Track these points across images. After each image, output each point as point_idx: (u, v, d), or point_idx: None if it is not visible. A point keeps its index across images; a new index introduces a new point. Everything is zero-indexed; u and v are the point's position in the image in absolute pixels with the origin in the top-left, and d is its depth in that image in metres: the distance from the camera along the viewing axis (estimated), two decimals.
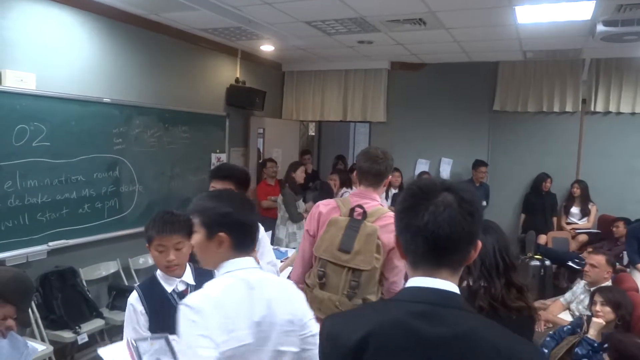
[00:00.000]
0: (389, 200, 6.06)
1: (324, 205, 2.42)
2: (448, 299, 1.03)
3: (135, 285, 2.12)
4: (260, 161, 6.52)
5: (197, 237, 1.54)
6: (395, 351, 1.00)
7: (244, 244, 1.53)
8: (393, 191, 6.27)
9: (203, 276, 1.96)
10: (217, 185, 2.36)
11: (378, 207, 2.32)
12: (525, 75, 6.20)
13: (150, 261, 4.69)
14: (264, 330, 1.43)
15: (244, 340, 1.39)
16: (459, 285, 1.09)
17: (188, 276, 2.07)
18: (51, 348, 3.40)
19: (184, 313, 1.37)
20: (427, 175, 6.36)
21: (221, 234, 1.48)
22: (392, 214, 2.17)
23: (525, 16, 4.17)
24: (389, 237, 2.14)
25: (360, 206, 2.26)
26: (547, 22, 4.30)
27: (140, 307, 1.97)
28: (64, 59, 3.96)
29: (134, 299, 2.00)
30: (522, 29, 4.61)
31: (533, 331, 1.81)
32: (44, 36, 3.79)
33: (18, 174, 3.54)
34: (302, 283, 2.36)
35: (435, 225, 1.02)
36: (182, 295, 2.02)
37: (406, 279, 1.18)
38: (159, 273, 2.06)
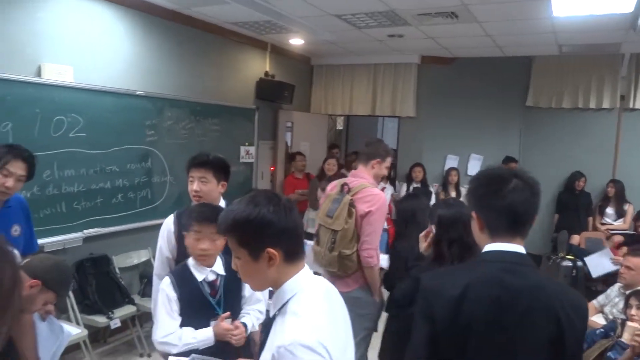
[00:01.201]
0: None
1: (330, 186, 3.07)
2: (523, 259, 1.39)
3: (168, 272, 2.17)
4: (289, 154, 6.57)
5: (240, 262, 1.28)
6: (489, 297, 1.32)
7: (297, 252, 1.29)
8: (414, 185, 6.22)
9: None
10: (195, 175, 2.41)
11: (362, 182, 2.87)
12: (561, 70, 6.04)
13: None
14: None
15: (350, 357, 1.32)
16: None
17: (219, 266, 2.11)
18: (86, 332, 3.53)
19: (305, 356, 1.14)
20: (455, 172, 6.29)
21: (269, 249, 1.23)
22: (371, 188, 2.84)
23: (562, 9, 4.05)
24: (362, 206, 2.77)
25: (346, 183, 2.87)
26: (584, 15, 4.17)
27: (173, 294, 2.02)
28: (99, 53, 4.06)
29: (166, 285, 2.05)
30: (558, 23, 4.49)
31: None
32: (81, 30, 3.90)
33: (56, 163, 3.66)
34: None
35: (514, 205, 1.38)
36: (212, 285, 2.08)
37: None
38: (190, 262, 2.11)
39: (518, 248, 1.40)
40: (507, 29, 4.86)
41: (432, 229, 2.18)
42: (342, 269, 2.81)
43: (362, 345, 2.88)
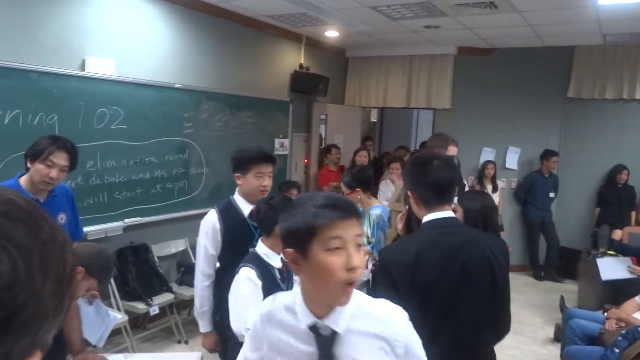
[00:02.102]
0: None
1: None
2: (454, 221, 1.79)
3: (244, 263, 2.12)
4: (323, 147, 6.58)
5: (297, 267, 1.16)
6: (434, 256, 1.66)
7: None
8: None
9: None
10: (265, 170, 2.38)
11: None
12: (604, 60, 5.82)
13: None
14: None
15: None
16: None
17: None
18: (126, 317, 3.65)
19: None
20: (491, 165, 6.18)
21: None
22: None
23: None
24: None
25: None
26: (631, 2, 4.01)
27: (259, 282, 2.04)
28: (140, 46, 4.17)
29: (252, 275, 2.04)
30: (603, 11, 4.33)
31: None
32: (123, 24, 4.01)
33: (99, 154, 3.79)
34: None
35: (438, 180, 1.72)
36: (281, 272, 2.17)
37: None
38: (236, 197, 2.33)
39: (448, 214, 1.76)
40: (549, 18, 4.72)
41: (405, 210, 2.43)
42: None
43: None
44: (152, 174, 4.27)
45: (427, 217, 1.74)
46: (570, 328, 3.56)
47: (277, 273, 2.13)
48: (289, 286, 2.14)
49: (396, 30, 5.51)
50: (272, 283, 2.09)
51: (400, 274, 1.63)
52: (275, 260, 2.14)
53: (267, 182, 2.37)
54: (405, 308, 1.39)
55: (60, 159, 2.47)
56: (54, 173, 2.45)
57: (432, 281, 1.63)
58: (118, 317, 2.99)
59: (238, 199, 2.43)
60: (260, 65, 5.58)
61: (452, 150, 3.18)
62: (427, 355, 1.31)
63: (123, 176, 4.01)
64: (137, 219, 4.15)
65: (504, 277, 1.74)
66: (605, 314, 3.58)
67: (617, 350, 2.87)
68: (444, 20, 4.93)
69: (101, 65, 3.80)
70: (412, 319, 1.33)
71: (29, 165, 2.45)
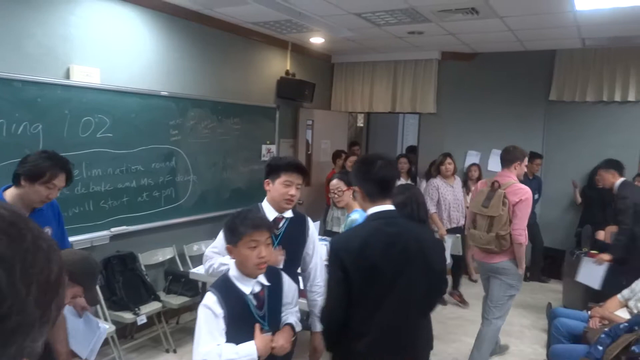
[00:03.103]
0: None
1: (480, 183, 3.98)
2: (394, 213, 2.05)
3: (209, 287, 1.99)
4: (336, 151, 6.54)
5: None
6: (378, 242, 1.94)
7: None
8: None
9: (274, 276, 2.07)
10: (294, 180, 2.41)
11: (509, 180, 3.63)
12: (584, 63, 5.95)
13: (204, 248, 4.88)
14: None
15: None
16: None
17: (261, 276, 1.99)
18: (113, 327, 3.63)
19: None
20: (475, 168, 6.25)
21: None
22: (518, 184, 3.61)
23: (584, 3, 4.00)
24: (513, 197, 3.54)
25: (496, 181, 3.67)
26: (608, 8, 4.11)
27: (220, 311, 1.86)
28: (125, 54, 4.16)
29: (212, 302, 1.88)
30: (581, 16, 4.43)
31: None
32: (108, 32, 4.00)
33: (84, 163, 3.78)
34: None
35: (382, 177, 2.02)
36: (257, 297, 1.96)
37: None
38: (233, 274, 1.97)
39: (389, 207, 2.04)
40: (529, 24, 4.81)
41: None
42: (499, 246, 3.57)
43: (504, 308, 3.70)
44: (139, 182, 4.26)
45: (372, 210, 2.05)
46: (556, 327, 3.62)
47: (251, 300, 1.94)
48: (265, 316, 1.96)
49: (381, 36, 5.57)
50: (243, 312, 1.90)
51: (349, 258, 1.92)
52: (246, 284, 1.94)
53: (294, 191, 2.38)
54: (352, 286, 1.92)
55: (61, 180, 2.46)
56: (53, 194, 2.44)
57: (376, 264, 1.92)
58: (108, 328, 2.96)
59: (266, 205, 2.46)
60: (246, 71, 5.60)
61: (526, 161, 3.74)
62: (371, 325, 1.93)
63: (109, 185, 3.99)
64: (124, 227, 4.13)
65: (438, 261, 2.09)
66: (589, 312, 3.64)
67: (600, 348, 2.92)
68: (428, 26, 5.00)
69: (86, 73, 3.79)
70: (357, 295, 1.93)
71: (23, 183, 2.39)
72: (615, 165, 4.68)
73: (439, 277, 2.10)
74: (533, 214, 6.11)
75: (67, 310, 2.80)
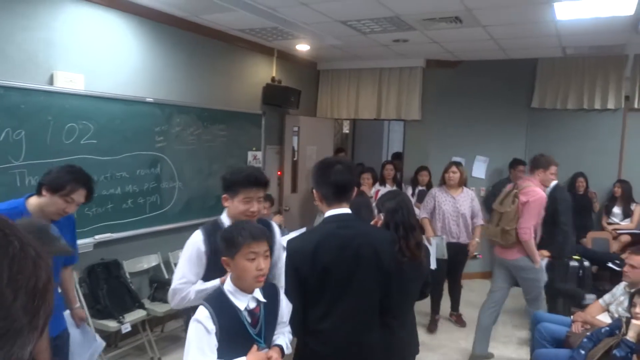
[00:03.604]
0: (415, 197, 6.05)
1: (509, 186, 4.12)
2: (349, 217, 2.11)
3: (202, 301, 1.89)
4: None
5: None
6: (331, 245, 2.01)
7: None
8: (419, 188, 6.24)
9: (270, 292, 1.96)
10: (254, 195, 2.27)
11: (528, 183, 3.91)
12: (565, 71, 6.07)
13: None
14: None
15: None
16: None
17: (257, 292, 1.90)
18: (104, 343, 3.57)
19: None
20: None
21: None
22: (533, 187, 3.85)
23: (565, 12, 4.09)
24: (523, 197, 3.81)
25: (516, 183, 4.07)
26: (588, 18, 4.21)
27: (212, 327, 1.77)
28: (110, 60, 4.14)
29: (204, 316, 1.78)
30: (562, 26, 4.53)
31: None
32: (92, 38, 3.98)
33: None
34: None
35: (338, 182, 2.07)
36: (252, 314, 1.87)
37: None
38: (224, 218, 2.08)
39: (345, 210, 2.11)
40: (511, 33, 4.90)
41: (380, 217, 2.55)
42: (504, 239, 3.89)
43: (537, 303, 4.04)
44: (123, 189, 4.22)
45: (328, 213, 2.11)
46: (539, 332, 3.66)
47: (245, 316, 1.83)
48: (261, 333, 1.87)
49: (366, 44, 5.62)
50: (236, 328, 1.81)
51: (303, 260, 1.99)
52: (242, 299, 1.84)
53: (256, 207, 2.21)
54: (306, 287, 1.99)
55: (80, 196, 2.44)
56: (70, 209, 2.43)
57: (330, 265, 1.98)
58: (104, 343, 2.93)
59: (226, 220, 2.27)
60: (232, 78, 5.60)
61: (554, 169, 3.98)
62: (325, 324, 2.00)
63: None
64: (108, 235, 4.09)
65: (389, 261, 2.12)
66: (572, 317, 3.69)
67: (582, 352, 2.97)
68: (412, 34, 5.06)
69: (70, 79, 3.76)
70: (312, 295, 1.99)
71: (44, 193, 2.38)
72: (524, 162, 5.16)
73: (392, 279, 2.15)
74: None
75: (65, 320, 2.78)
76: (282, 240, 2.44)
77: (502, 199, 4.00)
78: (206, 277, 2.21)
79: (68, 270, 2.80)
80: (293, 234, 2.67)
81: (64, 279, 2.76)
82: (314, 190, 2.18)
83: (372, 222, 2.56)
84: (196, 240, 2.22)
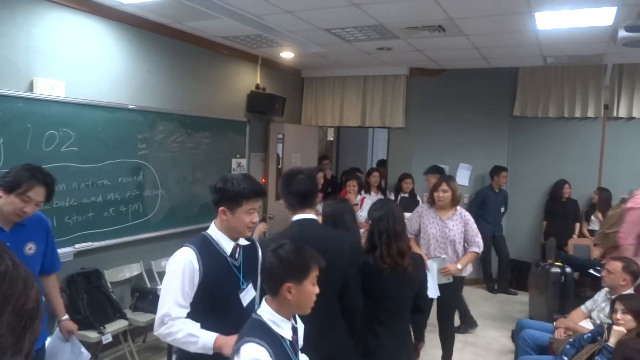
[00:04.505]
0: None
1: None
2: (313, 221, 2.32)
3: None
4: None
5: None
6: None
7: None
8: (402, 195, 6.27)
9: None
10: (255, 205, 2.14)
11: None
12: (546, 80, 6.17)
13: None
14: None
15: None
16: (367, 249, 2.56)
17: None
18: (89, 356, 3.50)
19: None
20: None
21: None
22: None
23: (545, 22, 4.16)
24: (627, 203, 3.87)
25: (632, 190, 4.20)
26: (567, 28, 4.29)
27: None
28: (91, 67, 4.09)
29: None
30: (542, 35, 4.60)
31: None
32: (74, 45, 3.93)
33: None
34: None
35: (301, 190, 2.29)
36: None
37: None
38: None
39: (309, 215, 2.30)
40: (493, 42, 4.97)
41: (368, 225, 2.64)
42: (604, 245, 4.21)
43: None
44: (105, 197, 4.16)
45: (295, 217, 2.31)
46: (522, 339, 3.68)
47: (288, 345, 1.68)
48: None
49: (350, 52, 5.64)
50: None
51: None
52: (285, 328, 1.69)
53: (257, 217, 2.12)
54: None
55: (38, 194, 2.34)
56: (28, 208, 2.32)
57: None
58: (90, 355, 2.87)
59: (217, 234, 2.06)
60: (216, 85, 5.57)
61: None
62: None
63: (74, 200, 3.88)
64: (89, 243, 4.02)
65: (349, 264, 2.29)
66: (554, 323, 3.72)
67: (565, 358, 2.99)
68: (396, 43, 5.10)
69: (50, 86, 3.70)
70: None
71: (1, 194, 2.30)
72: (441, 171, 5.00)
73: (350, 279, 2.31)
74: (499, 227, 6.30)
75: (55, 334, 2.71)
76: None
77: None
78: (195, 309, 1.99)
79: (51, 278, 2.69)
80: None
81: (48, 287, 2.66)
82: (282, 199, 2.38)
83: (362, 230, 2.60)
84: (188, 257, 1.96)
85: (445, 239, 3.85)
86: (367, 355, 2.43)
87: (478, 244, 3.85)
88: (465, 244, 3.89)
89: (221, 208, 2.03)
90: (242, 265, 2.11)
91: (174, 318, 1.93)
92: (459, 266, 3.77)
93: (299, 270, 1.67)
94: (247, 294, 2.10)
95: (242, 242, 2.14)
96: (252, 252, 2.19)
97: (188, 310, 1.97)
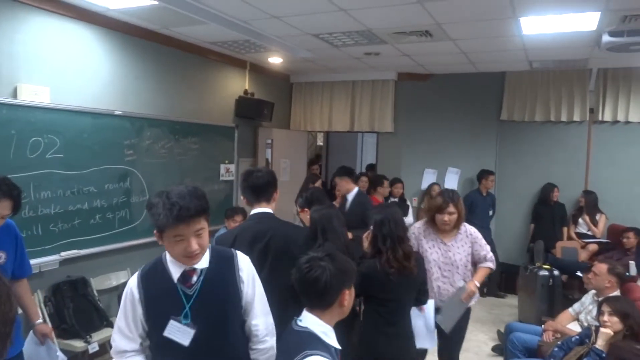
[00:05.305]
0: None
1: None
2: (267, 214, 2.53)
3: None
4: (373, 176, 6.39)
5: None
6: (246, 237, 2.43)
7: None
8: (392, 199, 6.29)
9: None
10: (185, 232, 1.68)
11: None
12: (532, 84, 6.22)
13: None
14: None
15: None
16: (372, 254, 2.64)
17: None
18: (66, 358, 3.45)
19: None
20: (437, 186, 6.38)
21: None
22: None
23: (530, 27, 4.20)
24: None
25: None
26: (552, 33, 4.33)
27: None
28: (77, 73, 4.05)
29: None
30: (528, 40, 4.65)
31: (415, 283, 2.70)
32: (59, 51, 3.89)
33: (32, 185, 3.62)
34: None
35: (256, 186, 2.52)
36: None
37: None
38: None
39: (264, 209, 2.52)
40: (480, 47, 5.01)
41: (370, 230, 2.68)
42: None
43: None
44: (91, 204, 4.11)
45: (252, 211, 2.54)
46: (511, 342, 3.69)
47: (334, 354, 1.62)
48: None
49: (338, 57, 5.66)
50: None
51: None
52: (332, 338, 1.64)
53: (195, 245, 1.64)
54: None
55: (4, 207, 2.31)
56: None
57: (245, 253, 2.04)
58: (66, 358, 2.84)
59: (169, 257, 1.75)
60: (204, 91, 5.55)
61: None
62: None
63: (59, 207, 3.84)
64: (75, 251, 3.98)
65: (295, 249, 2.37)
66: (543, 326, 3.74)
67: None
68: (384, 48, 5.12)
69: (35, 92, 3.66)
70: None
71: None
72: (349, 173, 4.89)
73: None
74: (488, 230, 6.32)
75: (30, 338, 2.67)
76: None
77: None
78: (150, 336, 1.76)
79: (22, 283, 2.65)
80: None
81: (20, 293, 2.61)
82: (242, 196, 2.62)
83: (364, 235, 2.74)
84: (130, 284, 1.77)
85: (450, 265, 3.19)
86: (379, 355, 2.56)
87: (492, 260, 3.25)
88: (476, 263, 3.25)
89: (155, 232, 1.70)
90: (198, 294, 1.71)
91: (119, 352, 1.72)
92: (477, 282, 3.14)
93: (352, 275, 1.71)
94: (185, 333, 1.69)
95: (202, 264, 1.73)
96: (220, 275, 1.76)
97: (141, 341, 1.74)
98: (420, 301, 2.79)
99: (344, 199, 4.81)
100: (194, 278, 1.72)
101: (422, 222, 3.33)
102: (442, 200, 3.16)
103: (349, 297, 1.67)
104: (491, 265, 3.24)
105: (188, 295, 1.71)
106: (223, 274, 1.78)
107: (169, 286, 1.71)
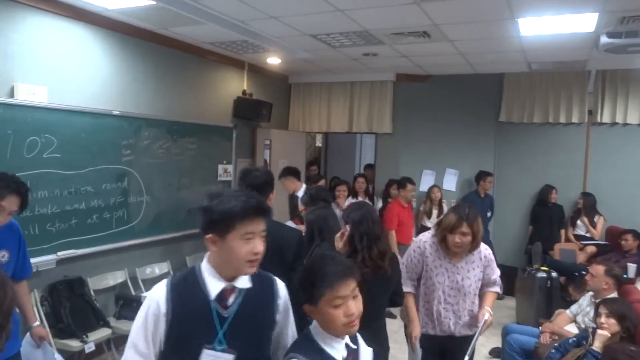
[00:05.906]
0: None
1: None
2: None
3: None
4: (393, 180, 6.39)
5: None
6: None
7: None
8: (390, 200, 6.28)
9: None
10: (255, 229, 1.53)
11: None
12: (531, 86, 6.22)
13: (157, 271, 4.74)
14: None
15: None
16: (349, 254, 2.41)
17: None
18: (61, 358, 3.45)
19: None
20: (437, 189, 6.37)
21: None
22: None
23: (529, 29, 4.20)
24: None
25: None
26: (550, 34, 4.33)
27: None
28: (75, 73, 4.05)
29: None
30: (526, 41, 4.64)
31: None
32: (56, 50, 3.89)
33: (29, 185, 3.56)
34: None
35: (255, 184, 2.57)
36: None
37: None
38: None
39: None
40: (478, 48, 5.01)
41: (347, 228, 2.50)
42: None
43: None
44: (88, 204, 4.10)
45: None
46: (509, 343, 3.69)
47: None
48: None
49: (337, 58, 5.65)
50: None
51: None
52: (339, 348, 1.51)
53: (260, 247, 1.51)
54: None
55: (12, 203, 2.32)
56: (1, 217, 2.31)
57: None
58: None
59: (207, 270, 1.54)
60: (202, 91, 5.55)
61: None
62: None
63: (56, 207, 3.83)
64: (72, 251, 3.97)
65: (291, 255, 2.50)
66: (540, 328, 3.74)
67: None
68: (382, 49, 5.11)
69: (32, 92, 3.65)
70: None
71: None
72: (294, 172, 5.07)
73: (292, 270, 2.41)
74: (486, 232, 6.31)
75: (26, 340, 2.67)
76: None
77: None
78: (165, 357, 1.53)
79: (22, 284, 2.65)
80: None
81: (19, 294, 2.60)
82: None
83: (338, 233, 2.59)
84: (155, 296, 1.51)
85: (457, 290, 2.81)
86: None
87: (500, 284, 2.95)
88: (483, 286, 2.90)
89: (208, 236, 1.50)
90: (234, 317, 1.52)
91: None
92: (488, 307, 2.83)
93: (308, 293, 1.65)
94: None
95: (243, 283, 1.55)
96: (259, 300, 1.58)
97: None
98: (395, 302, 2.69)
99: (294, 197, 4.91)
100: (231, 299, 1.53)
101: (431, 236, 2.88)
102: (455, 218, 2.69)
103: (314, 313, 1.59)
104: (499, 290, 2.95)
105: (222, 317, 1.51)
106: (262, 298, 1.60)
107: (203, 304, 1.50)
